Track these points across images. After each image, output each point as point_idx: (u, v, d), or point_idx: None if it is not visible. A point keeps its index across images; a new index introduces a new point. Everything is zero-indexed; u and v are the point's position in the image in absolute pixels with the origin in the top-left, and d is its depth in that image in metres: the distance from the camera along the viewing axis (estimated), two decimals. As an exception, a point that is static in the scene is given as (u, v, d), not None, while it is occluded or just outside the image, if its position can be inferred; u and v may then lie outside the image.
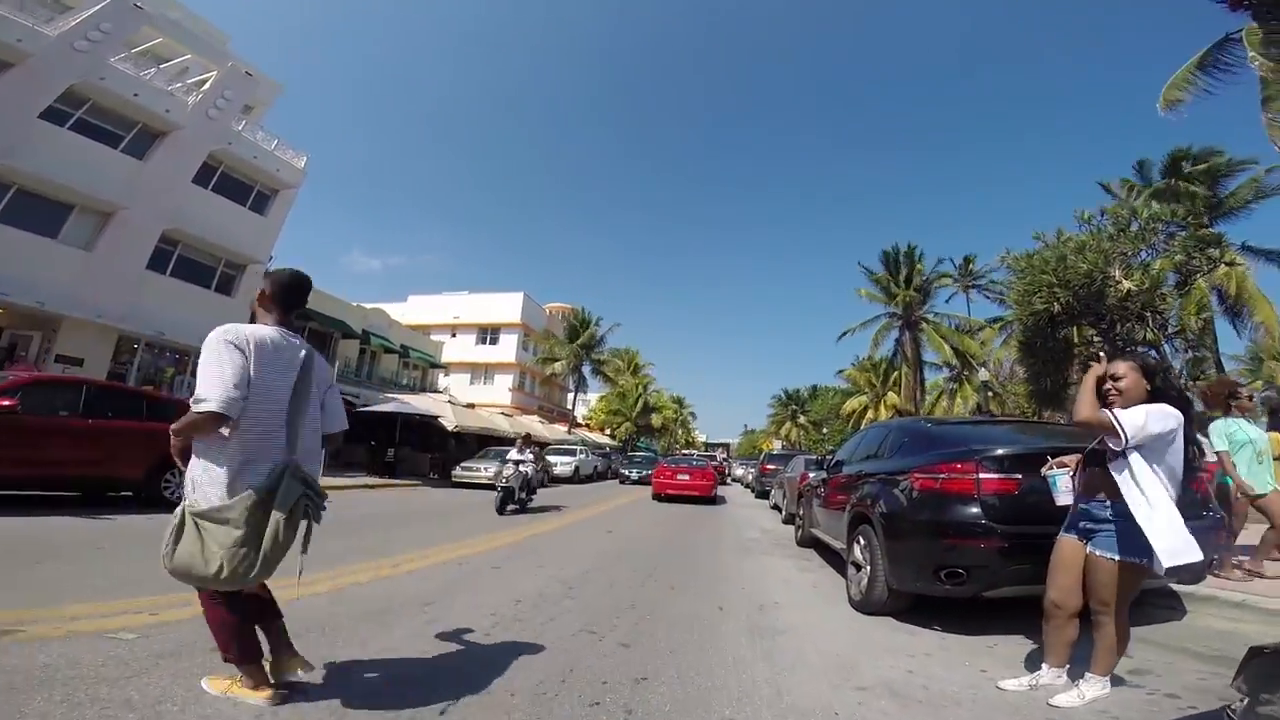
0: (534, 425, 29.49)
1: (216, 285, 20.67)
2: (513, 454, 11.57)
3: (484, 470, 17.28)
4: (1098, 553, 2.53)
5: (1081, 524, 2.65)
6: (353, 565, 5.32)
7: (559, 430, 33.87)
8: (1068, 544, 2.71)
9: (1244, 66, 12.77)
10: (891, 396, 43.85)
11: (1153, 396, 2.59)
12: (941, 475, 3.93)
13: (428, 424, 20.54)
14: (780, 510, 12.21)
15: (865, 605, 4.41)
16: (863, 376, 46.54)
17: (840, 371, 49.46)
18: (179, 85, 18.37)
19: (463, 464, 18.00)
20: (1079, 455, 3.03)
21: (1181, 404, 2.58)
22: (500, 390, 43.18)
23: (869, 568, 4.43)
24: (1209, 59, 12.88)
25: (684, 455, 32.63)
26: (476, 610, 4.09)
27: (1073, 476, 2.95)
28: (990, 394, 40.83)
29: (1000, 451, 3.83)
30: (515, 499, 10.72)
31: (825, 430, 52.28)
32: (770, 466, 18.12)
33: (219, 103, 18.76)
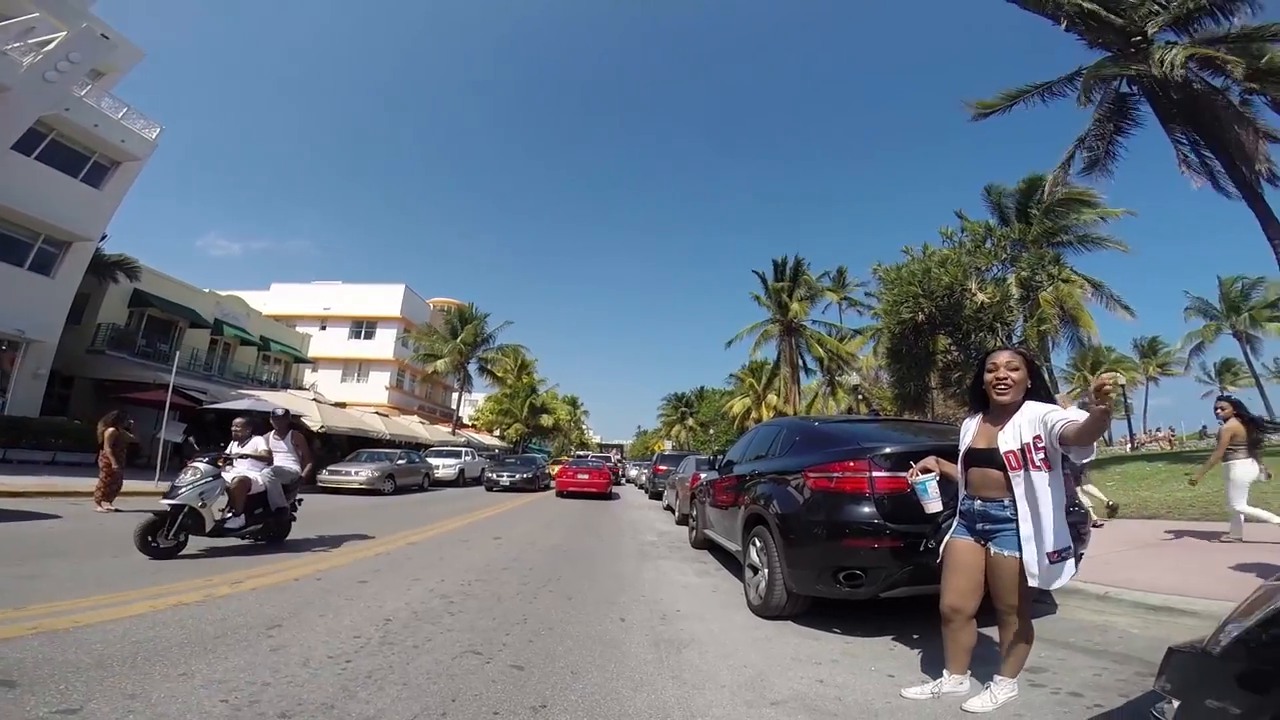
0: (414, 426, 27.80)
1: (32, 264, 17.94)
2: (235, 447, 6.47)
3: (355, 474, 15.91)
4: (1004, 553, 2.51)
5: (979, 525, 2.63)
6: (179, 582, 4.48)
7: (442, 431, 32.18)
8: (962, 546, 2.68)
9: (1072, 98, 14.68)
10: (771, 398, 46.17)
11: (1030, 393, 2.62)
12: (835, 474, 3.88)
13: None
14: (674, 511, 12.20)
15: (765, 610, 4.31)
16: (747, 379, 48.63)
17: (732, 374, 51.37)
18: (17, 44, 15.51)
19: (330, 467, 16.43)
20: (934, 458, 3.05)
21: (1052, 402, 2.63)
22: (376, 388, 40.33)
23: (766, 570, 4.34)
24: (1051, 89, 14.72)
25: (580, 457, 32.32)
26: (336, 633, 3.53)
27: (939, 481, 2.96)
28: (860, 398, 44.33)
29: (892, 449, 3.85)
30: (206, 524, 5.70)
31: (712, 431, 54.02)
32: (662, 468, 18.20)
33: (61, 65, 16.01)
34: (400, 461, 18.03)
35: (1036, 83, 15.55)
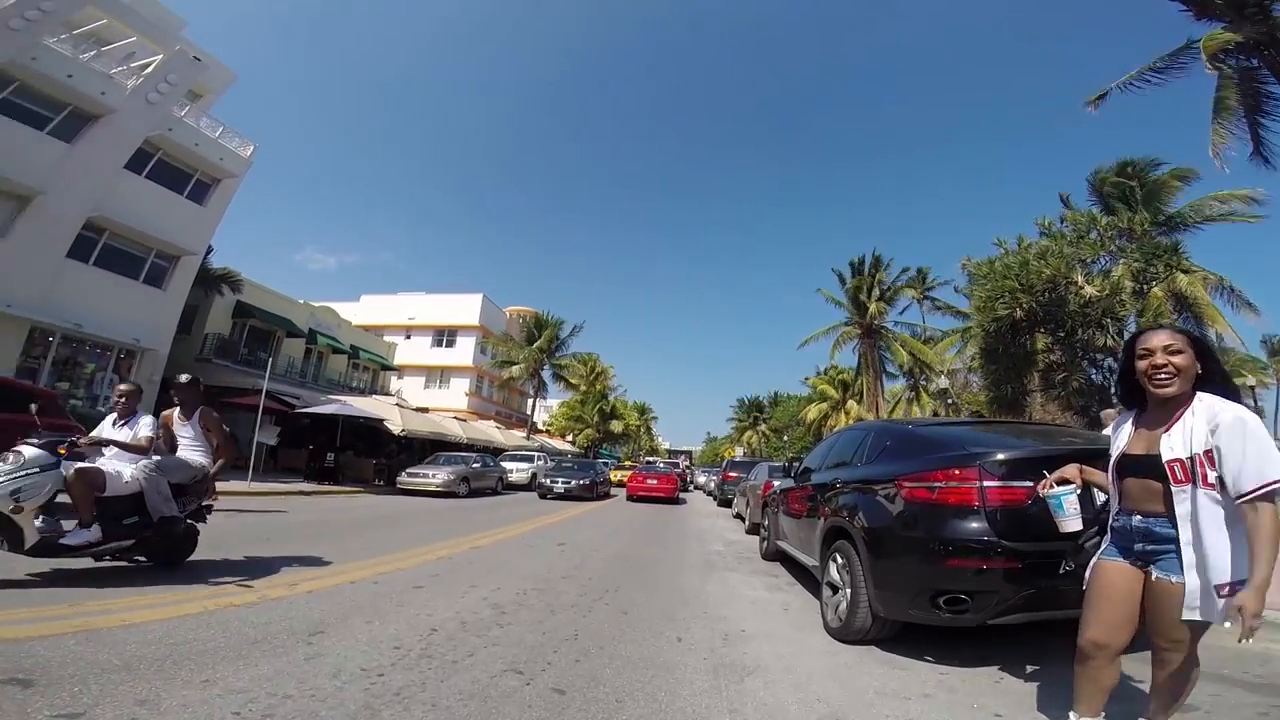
0: (490, 431, 28.46)
1: (146, 277, 19.35)
2: (106, 428, 4.73)
3: (432, 476, 16.29)
4: (1171, 578, 1.95)
5: (1139, 545, 2.07)
6: (239, 582, 4.48)
7: (517, 436, 32.83)
8: (1114, 570, 2.13)
9: (1195, 74, 12.83)
10: (853, 405, 44.20)
11: (1200, 383, 2.03)
12: (937, 484, 3.35)
13: (374, 428, 19.38)
14: (743, 520, 11.65)
15: (845, 633, 3.80)
16: (825, 384, 46.80)
17: (805, 379, 49.69)
18: (120, 69, 17.14)
19: (409, 470, 16.93)
20: (1076, 466, 2.49)
21: (1236, 398, 2.02)
22: (456, 394, 41.78)
23: (848, 590, 3.83)
24: (1162, 64, 12.93)
25: (649, 463, 32.14)
26: (377, 642, 3.35)
27: (1079, 494, 2.40)
28: (949, 403, 41.65)
29: (1006, 455, 3.27)
30: (24, 538, 3.78)
31: (786, 437, 52.32)
32: (732, 474, 17.61)
33: (161, 87, 17.57)
34: (475, 465, 18.36)
35: (1149, 64, 13.81)
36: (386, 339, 41.32)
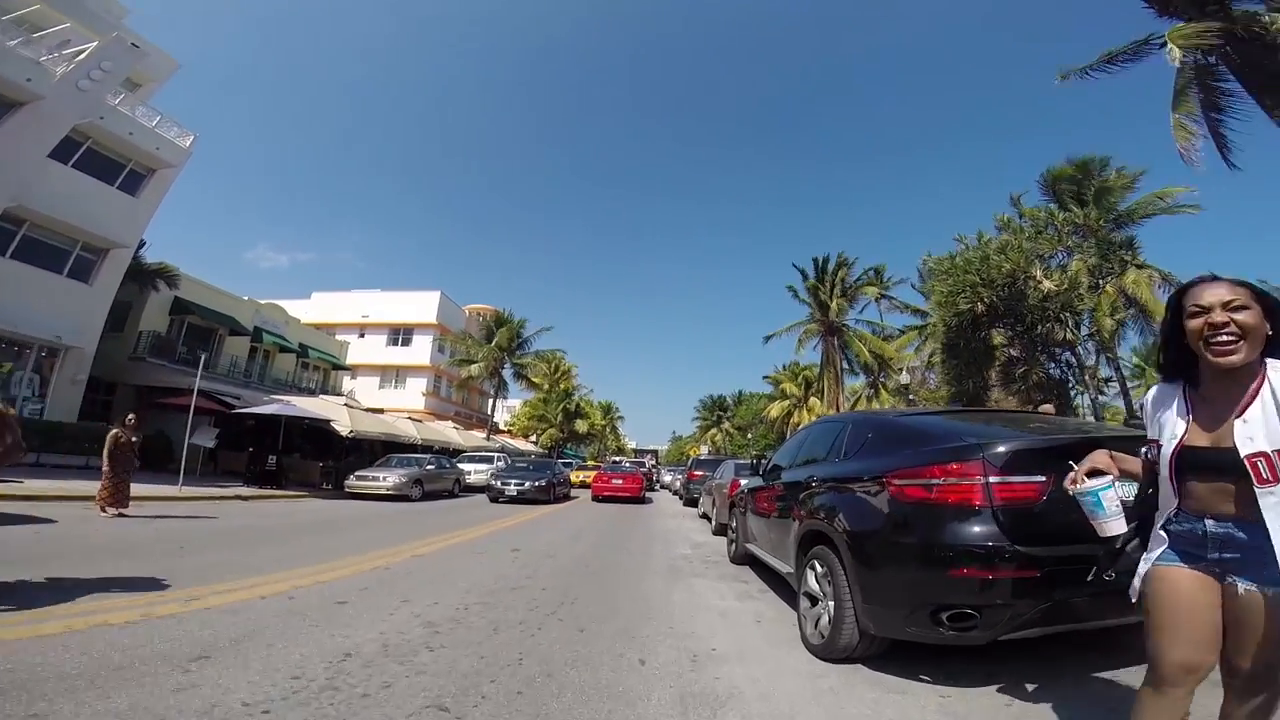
0: (447, 431, 27.49)
1: (70, 270, 18.13)
2: None
3: (382, 479, 15.43)
4: (1268, 591, 1.53)
5: (1215, 554, 1.64)
6: (124, 597, 3.81)
7: (477, 437, 31.86)
8: (1185, 579, 1.67)
9: (1155, 65, 12.88)
10: (814, 402, 44.56)
11: (1271, 348, 1.61)
12: (934, 480, 2.92)
13: (323, 430, 18.33)
14: (710, 520, 11.24)
15: (828, 651, 3.36)
16: (787, 381, 47.09)
17: (766, 376, 49.93)
18: (51, 55, 15.90)
19: (357, 472, 16.02)
20: (1106, 453, 1.98)
21: None
22: (413, 395, 40.46)
23: (831, 603, 3.39)
24: (1124, 54, 12.97)
25: (615, 463, 31.54)
26: (272, 670, 2.78)
27: (1116, 488, 1.93)
28: (909, 399, 42.38)
29: (1014, 445, 2.86)
30: None
31: (750, 435, 52.54)
32: (698, 473, 17.20)
33: (94, 74, 16.35)
34: (429, 467, 17.54)
35: (1112, 50, 13.92)
36: (339, 338, 39.79)
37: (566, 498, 18.98)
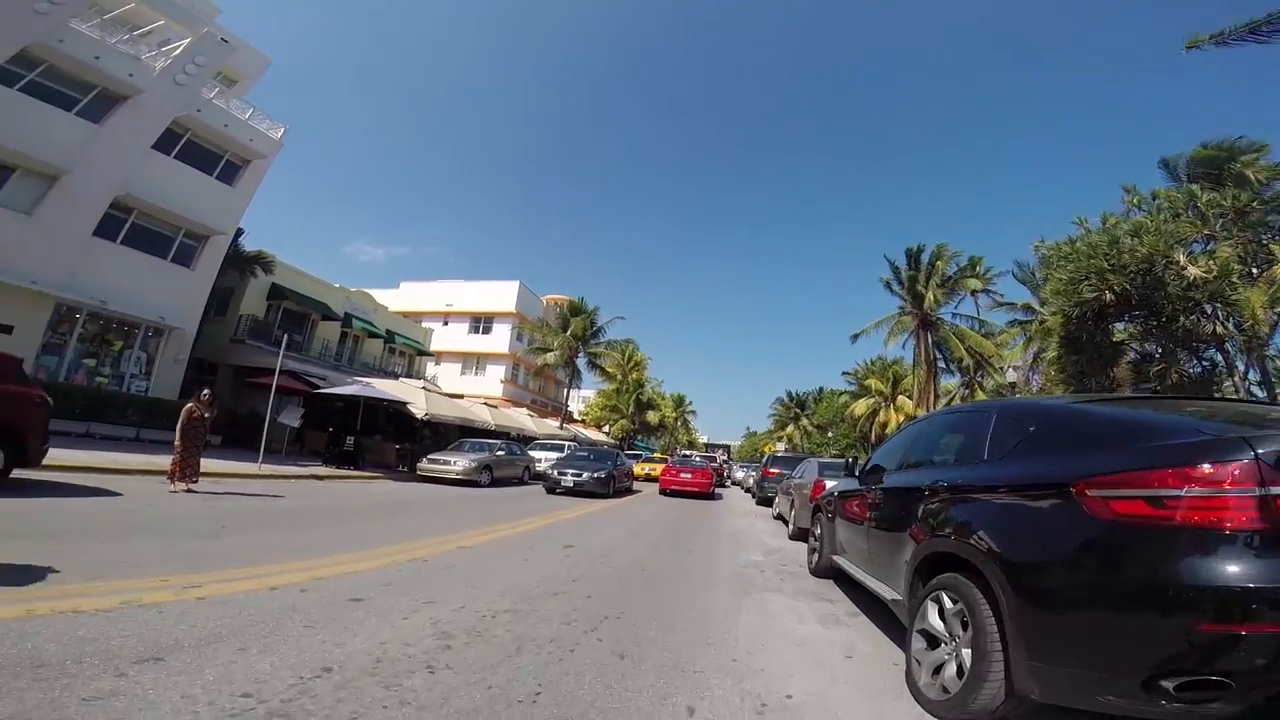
0: (522, 418, 27.66)
1: (174, 256, 19.27)
2: None
3: (454, 463, 15.41)
4: None
5: None
6: (118, 581, 3.47)
7: (550, 425, 31.98)
8: None
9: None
10: (903, 400, 41.84)
11: None
12: (1171, 491, 1.98)
13: (401, 412, 18.68)
14: (786, 523, 10.27)
15: (955, 710, 2.49)
16: (873, 379, 44.50)
17: (846, 373, 47.47)
18: (151, 52, 17.11)
19: (430, 456, 16.11)
20: None
21: None
22: (492, 381, 41.35)
23: (966, 650, 2.52)
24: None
25: (685, 456, 30.79)
26: (224, 683, 2.28)
27: None
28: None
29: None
30: None
31: (831, 434, 50.21)
32: (774, 470, 16.13)
33: (189, 68, 17.37)
34: (500, 453, 17.45)
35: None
36: (424, 325, 41.28)
37: (629, 491, 17.75)
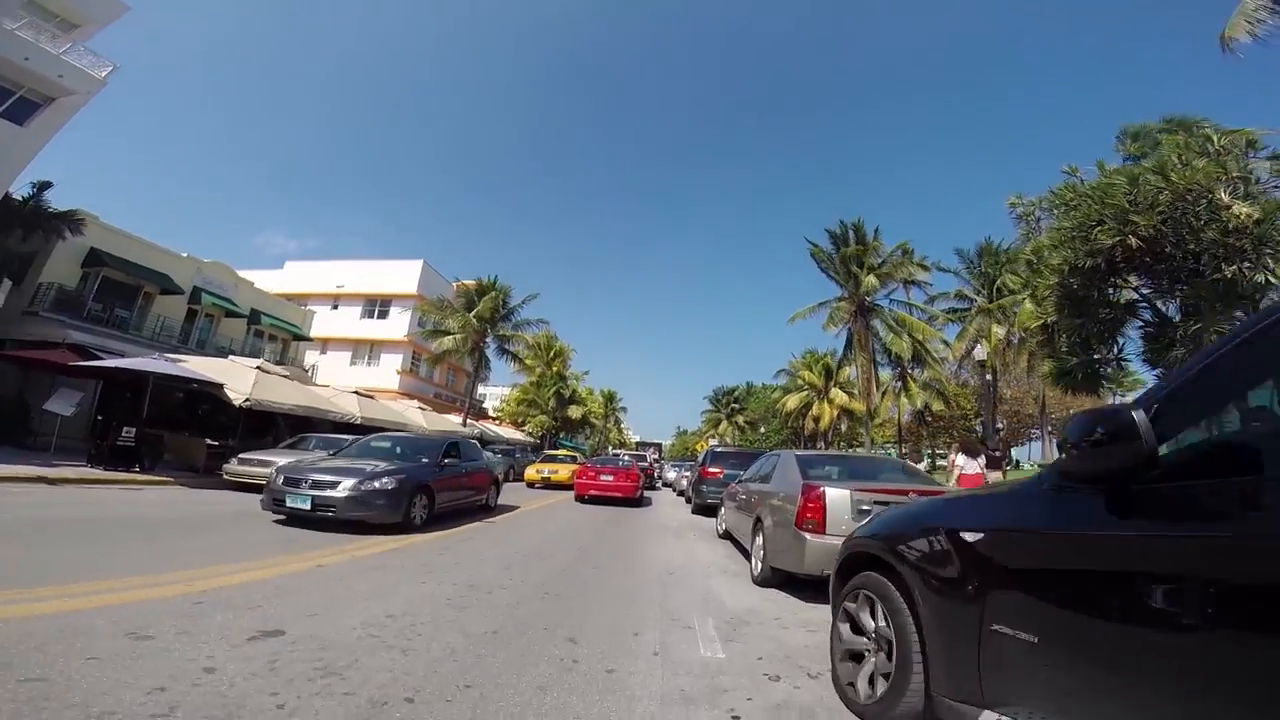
0: (409, 412, 22.93)
1: None
2: None
3: (276, 464, 10.83)
4: None
5: None
6: None
7: (451, 421, 27.25)
8: None
9: None
10: (837, 393, 39.76)
11: None
12: None
13: (221, 399, 13.84)
14: (745, 551, 6.60)
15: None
16: (805, 369, 42.30)
17: (780, 370, 45.03)
18: None
19: (241, 455, 11.57)
20: None
21: None
22: (387, 372, 36.04)
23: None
24: None
25: (613, 455, 26.74)
26: None
27: None
28: (935, 392, 37.58)
29: None
30: None
31: (763, 429, 47.83)
32: (715, 470, 12.46)
33: None
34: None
35: None
36: (312, 309, 35.46)
37: (486, 509, 10.50)
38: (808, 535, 4.50)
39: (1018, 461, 39.58)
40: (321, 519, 6.95)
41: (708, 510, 12.21)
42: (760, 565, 5.38)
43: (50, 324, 19.06)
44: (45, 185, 19.49)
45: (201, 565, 4.58)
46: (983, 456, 10.56)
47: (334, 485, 7.04)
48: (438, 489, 8.33)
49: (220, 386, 13.27)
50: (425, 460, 8.74)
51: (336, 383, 23.90)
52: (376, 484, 7.20)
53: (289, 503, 6.99)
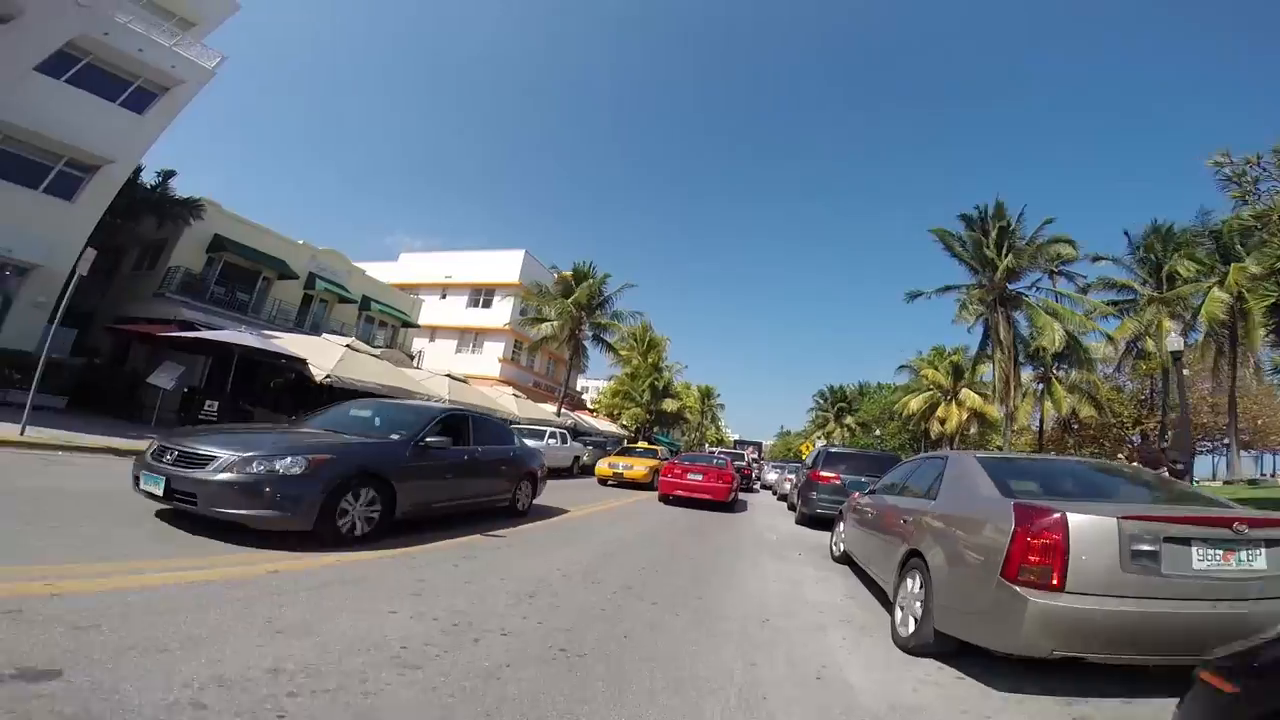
0: (502, 399, 22.46)
1: (48, 187, 16.09)
2: None
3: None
4: None
5: None
6: None
7: (544, 410, 26.67)
8: None
9: None
10: (967, 394, 35.33)
11: None
12: None
13: (304, 374, 13.66)
14: (863, 574, 4.67)
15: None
16: (929, 368, 38.03)
17: (903, 366, 40.81)
18: None
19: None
20: None
21: None
22: (489, 360, 36.38)
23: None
24: None
25: (706, 453, 24.94)
26: None
27: None
28: (1086, 397, 32.16)
29: None
30: None
31: (879, 432, 43.77)
32: (829, 475, 10.23)
33: None
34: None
35: None
36: (423, 298, 36.65)
37: (516, 513, 7.80)
38: (1032, 594, 2.59)
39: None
40: (194, 513, 4.55)
41: (817, 522, 10.14)
42: (913, 622, 3.46)
43: (175, 304, 20.34)
44: (170, 174, 20.96)
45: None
46: (1164, 468, 8.38)
47: (205, 463, 4.56)
48: (404, 481, 5.51)
49: (304, 362, 13.01)
50: (395, 438, 5.92)
51: (442, 368, 23.82)
52: (272, 466, 4.56)
53: (142, 483, 4.75)
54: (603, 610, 3.92)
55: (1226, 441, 29.41)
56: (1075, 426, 35.99)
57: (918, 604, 3.52)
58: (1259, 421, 32.88)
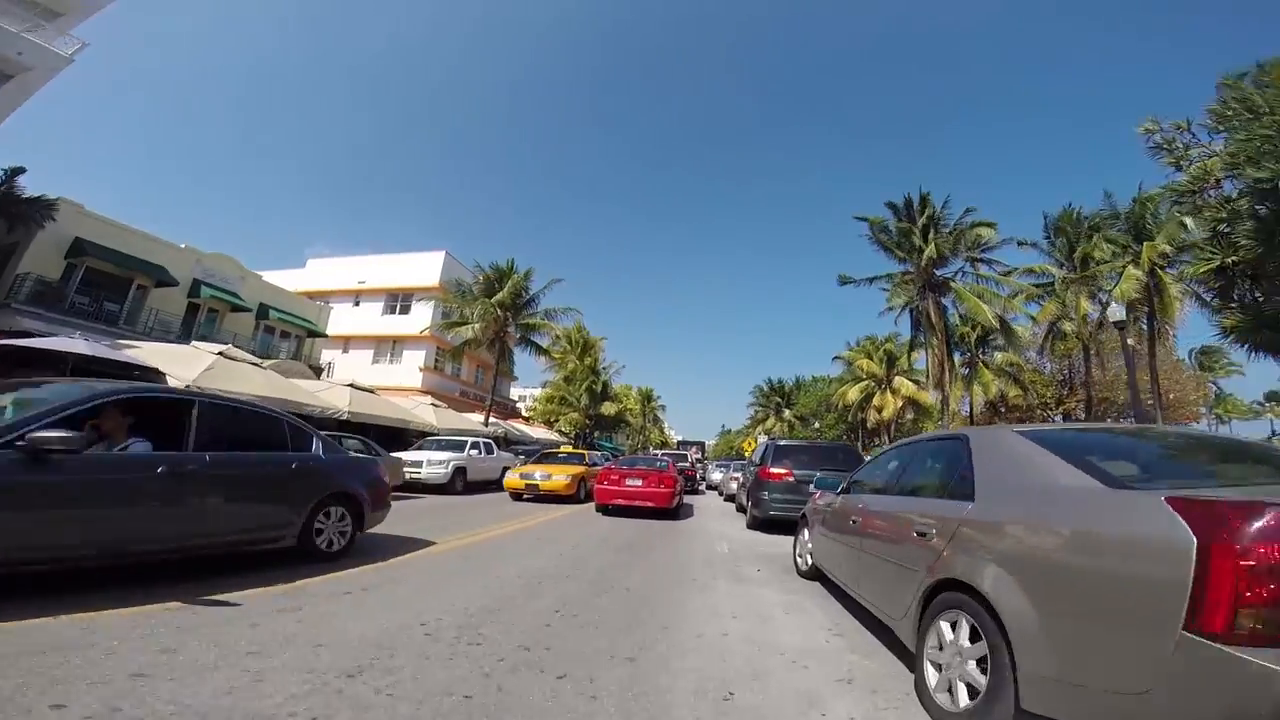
0: (419, 409, 20.40)
1: None
2: None
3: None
4: None
5: None
6: None
7: (471, 420, 24.67)
8: None
9: None
10: (902, 382, 35.72)
11: None
12: None
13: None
14: (845, 597, 3.43)
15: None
16: (862, 357, 38.30)
17: (837, 356, 40.96)
18: None
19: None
20: None
21: None
22: (409, 370, 33.84)
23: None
24: None
25: (647, 456, 23.65)
26: None
27: None
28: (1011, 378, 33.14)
29: None
30: None
31: (817, 424, 43.88)
32: (779, 470, 9.07)
33: None
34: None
35: None
36: (333, 306, 33.71)
37: (303, 553, 5.10)
38: (1255, 656, 1.34)
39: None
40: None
41: (771, 525, 8.98)
42: (966, 693, 2.12)
43: (20, 316, 17.56)
44: (18, 170, 18.36)
45: None
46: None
47: None
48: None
49: (158, 372, 10.81)
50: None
51: (358, 381, 21.35)
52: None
53: None
54: (468, 698, 2.44)
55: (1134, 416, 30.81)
56: (1003, 409, 37.04)
57: (973, 666, 2.23)
58: (1170, 395, 34.71)
